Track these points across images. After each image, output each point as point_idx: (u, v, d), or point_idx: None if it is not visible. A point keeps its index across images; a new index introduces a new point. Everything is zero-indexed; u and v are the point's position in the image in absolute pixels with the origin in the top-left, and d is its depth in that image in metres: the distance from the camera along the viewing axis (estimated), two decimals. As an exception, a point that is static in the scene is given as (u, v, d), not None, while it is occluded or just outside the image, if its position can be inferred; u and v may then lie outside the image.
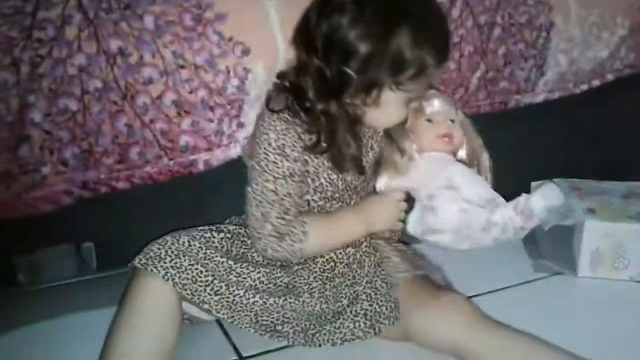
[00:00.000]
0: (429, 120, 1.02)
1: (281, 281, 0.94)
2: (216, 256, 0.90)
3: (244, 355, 0.94)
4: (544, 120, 1.33)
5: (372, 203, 1.01)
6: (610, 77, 1.40)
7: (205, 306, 0.88)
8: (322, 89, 0.90)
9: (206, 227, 0.96)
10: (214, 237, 0.93)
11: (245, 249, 0.96)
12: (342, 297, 0.96)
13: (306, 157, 0.94)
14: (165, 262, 0.85)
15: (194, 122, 1.01)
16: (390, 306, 0.94)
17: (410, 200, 1.02)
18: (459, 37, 1.18)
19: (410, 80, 0.88)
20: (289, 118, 0.91)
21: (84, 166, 0.97)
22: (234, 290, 0.90)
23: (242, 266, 0.92)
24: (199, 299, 0.87)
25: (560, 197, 0.96)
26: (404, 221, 1.02)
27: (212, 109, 1.01)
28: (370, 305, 0.95)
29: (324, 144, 0.92)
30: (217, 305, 0.89)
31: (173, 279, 0.85)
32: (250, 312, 0.91)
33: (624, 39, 1.37)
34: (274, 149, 0.91)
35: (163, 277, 0.84)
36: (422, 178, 0.99)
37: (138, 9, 0.94)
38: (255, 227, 0.92)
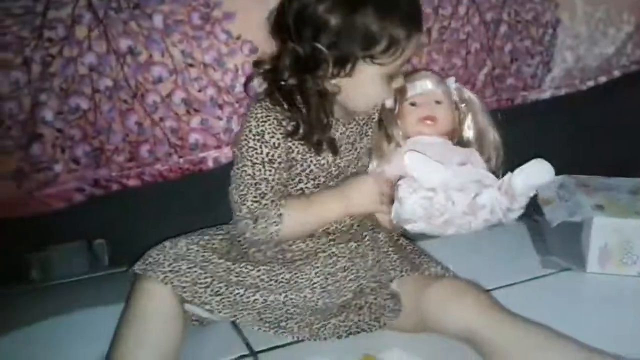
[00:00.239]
0: (413, 104, 1.01)
1: (282, 277, 0.95)
2: (214, 258, 0.92)
3: (256, 350, 0.95)
4: (551, 117, 1.33)
5: (351, 183, 1.00)
6: (616, 73, 1.40)
7: (207, 307, 0.89)
8: (296, 67, 0.91)
9: (206, 230, 0.98)
10: (212, 239, 0.95)
11: (245, 249, 0.97)
12: (346, 291, 0.96)
13: (290, 144, 0.95)
14: (163, 267, 0.87)
15: (203, 120, 1.02)
16: (395, 300, 0.95)
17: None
18: (466, 34, 1.18)
19: (384, 54, 0.89)
20: (270, 106, 0.93)
21: (95, 164, 0.99)
22: (234, 290, 0.90)
23: (242, 266, 0.93)
24: (199, 300, 0.88)
25: (546, 174, 0.93)
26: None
27: (220, 107, 1.02)
28: (375, 299, 0.95)
29: (302, 130, 0.94)
30: (218, 306, 0.89)
31: (172, 282, 0.86)
32: (253, 310, 0.92)
33: (630, 35, 1.37)
34: (253, 135, 0.93)
35: (162, 281, 0.86)
36: (400, 166, 0.97)
37: (147, 8, 0.95)
38: (234, 209, 0.95)
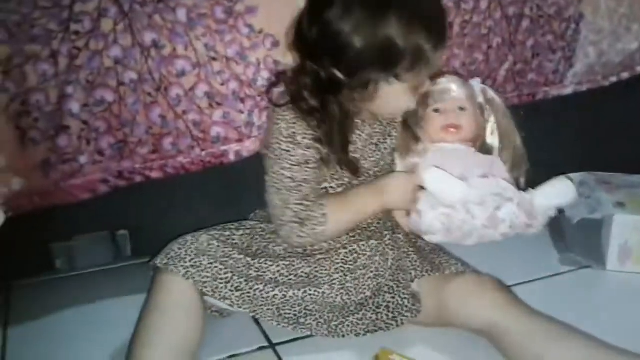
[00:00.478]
0: (437, 110, 1.00)
1: (302, 272, 0.95)
2: (234, 253, 0.93)
3: (274, 342, 0.96)
4: (573, 113, 1.32)
5: (387, 179, 0.99)
6: (639, 69, 1.39)
7: (227, 302, 0.90)
8: (317, 90, 0.90)
9: (227, 225, 0.99)
10: (233, 234, 0.96)
11: (265, 243, 0.98)
12: (365, 289, 0.97)
13: (318, 146, 0.94)
14: (185, 262, 0.88)
15: (225, 114, 1.03)
16: (412, 299, 0.95)
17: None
18: (487, 28, 1.18)
19: (408, 72, 0.87)
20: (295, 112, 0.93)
21: (119, 156, 1.00)
22: (253, 285, 0.91)
23: (261, 261, 0.94)
24: (220, 295, 0.89)
25: (569, 195, 0.92)
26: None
27: (242, 100, 1.03)
28: (393, 298, 0.96)
29: (323, 149, 0.93)
30: (238, 301, 0.90)
31: (193, 278, 0.87)
32: (272, 305, 0.93)
33: (654, 31, 1.35)
34: (285, 137, 0.92)
35: (183, 276, 0.87)
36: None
37: (171, 2, 0.96)
38: (277, 214, 0.93)
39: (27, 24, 0.89)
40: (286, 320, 0.94)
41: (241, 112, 1.03)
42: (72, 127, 0.95)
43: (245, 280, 0.91)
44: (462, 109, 1.00)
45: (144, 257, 1.12)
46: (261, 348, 0.96)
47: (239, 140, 1.05)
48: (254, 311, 0.92)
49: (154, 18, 0.95)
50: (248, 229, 0.99)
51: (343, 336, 0.94)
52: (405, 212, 0.99)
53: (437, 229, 0.91)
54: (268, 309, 0.93)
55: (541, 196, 0.91)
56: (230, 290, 0.90)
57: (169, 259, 0.89)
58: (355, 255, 0.98)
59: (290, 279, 0.95)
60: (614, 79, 1.36)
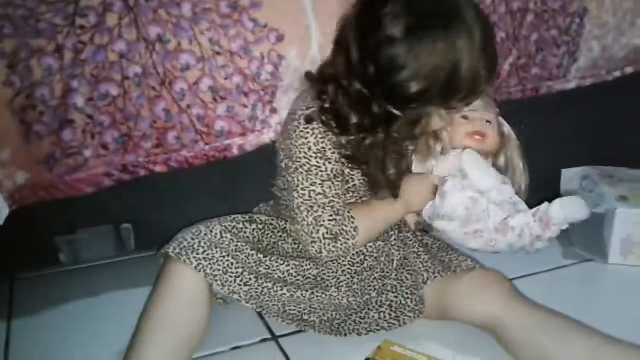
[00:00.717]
0: (464, 117, 0.98)
1: (310, 273, 0.95)
2: (247, 248, 0.92)
3: (277, 334, 0.97)
4: (576, 108, 1.32)
5: (409, 183, 0.96)
6: (644, 64, 1.39)
7: (235, 296, 0.90)
8: (365, 120, 0.86)
9: (239, 217, 0.97)
10: (246, 227, 0.95)
11: (275, 239, 0.98)
12: (370, 290, 0.97)
13: (344, 161, 0.91)
14: (198, 254, 0.87)
15: (229, 108, 1.03)
16: (416, 299, 0.96)
17: None
18: (492, 23, 1.17)
19: (460, 102, 0.86)
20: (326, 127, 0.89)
21: (123, 150, 1.00)
22: (262, 283, 0.91)
23: (272, 259, 0.93)
24: (229, 289, 0.89)
25: (583, 212, 0.91)
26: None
27: (246, 95, 1.03)
28: (396, 297, 0.96)
29: (361, 166, 0.91)
30: (246, 296, 0.90)
31: (205, 271, 0.86)
32: (278, 302, 0.93)
33: (658, 25, 1.35)
34: (314, 153, 0.89)
35: (195, 268, 0.86)
36: (448, 167, 0.96)
37: (176, -4, 0.96)
38: (308, 232, 0.90)
39: (32, 18, 0.89)
40: (290, 317, 0.94)
41: (245, 106, 1.03)
42: (77, 121, 0.96)
43: (255, 277, 0.91)
44: (488, 122, 0.99)
45: (147, 251, 1.13)
46: (264, 340, 0.96)
47: (243, 135, 1.06)
48: (261, 307, 0.92)
49: (159, 12, 0.96)
50: (260, 223, 0.98)
51: (345, 335, 0.95)
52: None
53: (459, 214, 0.91)
54: (274, 305, 0.93)
55: (558, 206, 0.90)
56: (239, 285, 0.89)
57: (181, 248, 0.87)
58: (362, 257, 0.98)
59: (298, 280, 0.95)
60: (617, 74, 1.36)
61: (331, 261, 0.96)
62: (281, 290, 0.92)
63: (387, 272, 0.98)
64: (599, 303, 1.07)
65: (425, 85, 0.81)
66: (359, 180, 0.95)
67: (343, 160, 0.91)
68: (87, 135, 0.97)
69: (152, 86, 0.98)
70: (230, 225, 0.93)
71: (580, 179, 1.27)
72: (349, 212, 0.91)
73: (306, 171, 0.89)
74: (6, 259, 1.02)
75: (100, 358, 0.90)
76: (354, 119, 0.86)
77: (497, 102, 1.03)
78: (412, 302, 0.96)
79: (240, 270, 0.90)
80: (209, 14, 0.97)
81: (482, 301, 0.90)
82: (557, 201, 0.91)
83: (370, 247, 0.98)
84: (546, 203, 0.92)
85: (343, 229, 0.90)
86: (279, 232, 0.99)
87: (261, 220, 0.98)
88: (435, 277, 0.96)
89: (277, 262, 0.94)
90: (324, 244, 0.90)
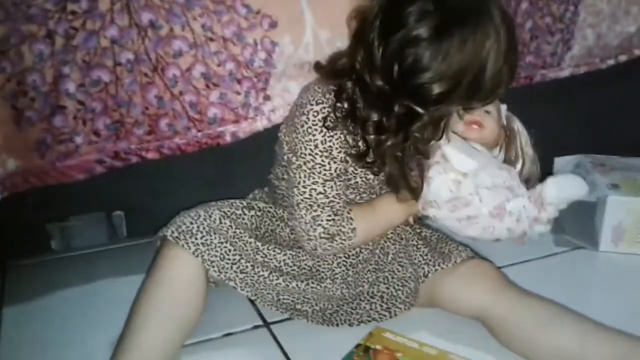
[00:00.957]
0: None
1: (305, 264, 0.96)
2: (245, 235, 0.91)
3: (269, 321, 0.97)
4: (570, 96, 1.32)
5: None
6: (637, 52, 1.38)
7: (231, 283, 0.90)
8: (386, 120, 0.84)
9: (237, 202, 0.97)
10: (244, 214, 0.95)
11: (273, 227, 0.98)
12: (364, 282, 0.98)
13: (348, 159, 0.90)
14: (196, 239, 0.86)
15: (222, 95, 1.02)
16: (407, 291, 0.96)
17: None
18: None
19: (479, 102, 0.85)
20: (337, 122, 0.86)
21: (115, 136, 0.99)
22: (259, 271, 0.91)
23: (269, 248, 0.93)
24: (225, 275, 0.89)
25: (580, 188, 0.89)
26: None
27: (239, 81, 1.02)
28: (387, 289, 0.97)
29: (375, 166, 0.89)
30: (241, 283, 0.90)
31: (202, 256, 0.86)
32: (273, 291, 0.93)
33: (652, 13, 1.35)
34: (320, 151, 0.87)
35: (193, 253, 0.85)
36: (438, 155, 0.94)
37: (168, -19, 0.95)
38: (305, 229, 0.89)
39: (23, 3, 0.88)
40: (284, 306, 0.95)
41: (238, 93, 1.03)
42: (68, 107, 0.95)
43: (252, 265, 0.91)
44: (487, 112, 0.98)
45: (139, 238, 1.13)
46: (256, 327, 0.97)
47: (236, 122, 1.05)
48: (255, 295, 0.92)
49: (151, -3, 0.95)
50: (259, 210, 0.97)
51: (337, 325, 0.95)
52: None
53: (444, 198, 0.89)
54: (268, 294, 0.93)
55: (552, 185, 0.89)
56: (235, 272, 0.89)
57: (179, 232, 0.86)
58: (357, 249, 0.98)
59: (293, 270, 0.95)
60: (611, 62, 1.36)
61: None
62: (277, 279, 0.92)
63: (381, 265, 0.98)
64: (589, 290, 1.08)
65: (450, 85, 0.79)
66: (360, 178, 0.94)
67: (348, 159, 0.89)
68: (78, 121, 0.96)
69: (144, 72, 0.97)
70: (229, 211, 0.92)
71: (573, 167, 1.27)
72: (348, 213, 0.90)
73: (309, 169, 0.88)
74: (-2, 245, 1.02)
75: (94, 345, 0.90)
76: (374, 117, 0.84)
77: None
78: (403, 293, 0.96)
79: (238, 257, 0.90)
80: (202, -1, 0.97)
81: (469, 294, 0.91)
82: (549, 179, 0.89)
83: None
84: (540, 183, 0.91)
85: (341, 230, 0.89)
86: (276, 220, 0.99)
87: (259, 207, 0.98)
88: (436, 269, 0.95)
89: (274, 250, 0.93)
90: (320, 243, 0.89)
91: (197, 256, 0.86)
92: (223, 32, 0.99)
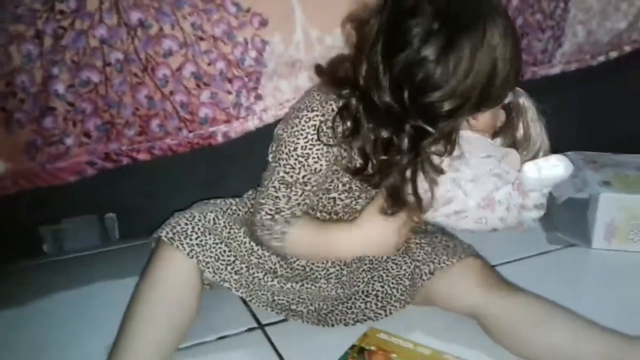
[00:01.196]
0: None
1: (298, 264, 0.95)
2: (240, 235, 0.91)
3: (263, 323, 0.97)
4: (560, 92, 1.32)
5: (373, 227, 0.92)
6: (627, 48, 1.39)
7: (226, 284, 0.89)
8: (395, 137, 0.81)
9: (231, 201, 0.97)
10: (239, 210, 0.95)
11: None
12: (358, 281, 0.97)
13: (337, 168, 0.89)
14: (191, 239, 0.86)
15: (213, 94, 1.02)
16: (402, 289, 0.96)
17: None
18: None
19: (487, 109, 0.85)
20: (330, 134, 0.85)
21: (106, 137, 0.99)
22: (253, 272, 0.91)
23: (264, 249, 0.93)
24: (220, 277, 0.88)
25: (562, 170, 0.84)
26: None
27: (230, 81, 1.02)
28: (382, 287, 0.96)
29: (375, 179, 0.87)
30: (236, 284, 0.90)
31: (197, 257, 0.85)
32: (267, 292, 0.93)
33: (642, 9, 1.35)
34: (297, 155, 0.86)
35: (188, 254, 0.85)
36: None
37: (158, -20, 0.95)
38: (252, 210, 0.93)
39: (11, 3, 0.88)
40: (279, 307, 0.94)
41: (229, 92, 1.02)
42: (58, 108, 0.94)
43: (247, 267, 0.90)
44: None
45: (131, 241, 1.13)
46: (250, 329, 0.96)
47: (227, 122, 1.04)
48: (250, 296, 0.92)
49: (140, -4, 0.94)
50: (252, 207, 0.97)
51: (332, 325, 0.95)
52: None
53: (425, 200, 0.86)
54: (263, 295, 0.93)
55: (530, 171, 0.84)
56: (230, 273, 0.89)
57: (174, 233, 0.86)
58: None
59: (287, 272, 0.94)
60: (602, 59, 1.36)
61: None
62: (271, 280, 0.92)
63: (376, 264, 0.98)
64: (582, 288, 1.08)
65: (461, 101, 0.78)
66: (354, 184, 0.93)
67: (343, 172, 0.89)
68: (68, 122, 0.95)
69: (134, 72, 0.96)
70: (223, 209, 0.93)
71: (565, 164, 1.27)
72: (291, 216, 0.89)
73: (278, 164, 0.88)
74: (-12, 249, 1.01)
75: (90, 347, 0.89)
76: (384, 135, 0.82)
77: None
78: (398, 291, 0.96)
79: (232, 258, 0.89)
80: (191, -2, 0.96)
81: (463, 292, 0.91)
82: (527, 165, 0.85)
83: None
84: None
85: (272, 226, 0.89)
86: None
87: (252, 204, 0.98)
88: (442, 267, 0.94)
89: (268, 251, 0.93)
90: (257, 229, 0.91)
91: (192, 257, 0.85)
92: (213, 30, 0.98)
